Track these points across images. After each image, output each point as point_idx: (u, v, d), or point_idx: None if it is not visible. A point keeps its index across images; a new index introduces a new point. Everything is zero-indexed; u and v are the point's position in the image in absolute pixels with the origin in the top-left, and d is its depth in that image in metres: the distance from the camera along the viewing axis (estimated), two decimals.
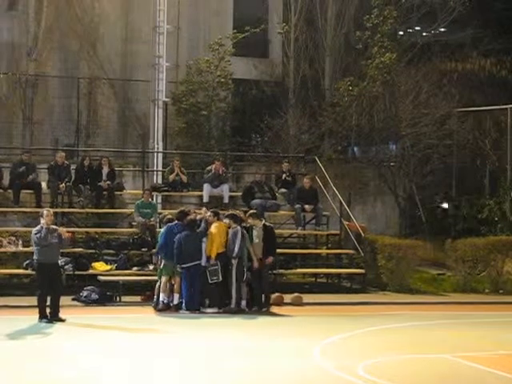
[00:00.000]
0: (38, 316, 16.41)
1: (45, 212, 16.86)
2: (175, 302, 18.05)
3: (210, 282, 18.24)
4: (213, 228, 18.69)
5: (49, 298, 16.26)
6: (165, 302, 17.88)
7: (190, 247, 17.88)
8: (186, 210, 19.86)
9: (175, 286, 18.26)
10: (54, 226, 16.59)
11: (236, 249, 18.58)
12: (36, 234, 16.12)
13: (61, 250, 17.24)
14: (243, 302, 18.97)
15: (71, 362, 13.34)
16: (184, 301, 18.20)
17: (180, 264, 18.04)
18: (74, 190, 22.12)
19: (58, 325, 16.43)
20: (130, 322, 17.52)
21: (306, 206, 22.95)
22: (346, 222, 22.79)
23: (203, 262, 18.28)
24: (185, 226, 18.40)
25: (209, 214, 19.05)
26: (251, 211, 20.59)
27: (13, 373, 12.51)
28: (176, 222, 18.62)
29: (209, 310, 18.51)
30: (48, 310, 16.15)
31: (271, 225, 20.62)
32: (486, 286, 23.15)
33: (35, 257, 16.57)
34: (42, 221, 16.17)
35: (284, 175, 24.24)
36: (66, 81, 28.54)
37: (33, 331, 15.96)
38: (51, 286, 16.16)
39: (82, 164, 22.81)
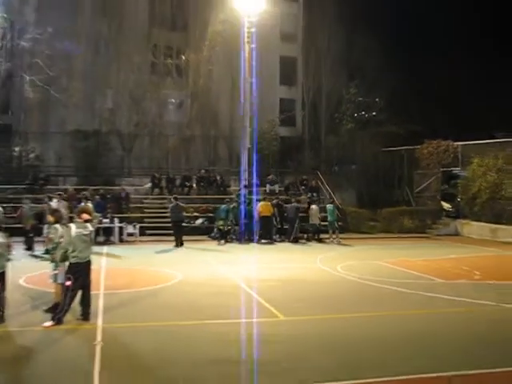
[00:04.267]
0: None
1: None
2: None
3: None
4: (261, 203, 26.53)
5: None
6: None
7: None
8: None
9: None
10: None
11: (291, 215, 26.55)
12: None
13: None
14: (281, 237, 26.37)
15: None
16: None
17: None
18: None
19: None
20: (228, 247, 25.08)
21: (314, 194, 31.60)
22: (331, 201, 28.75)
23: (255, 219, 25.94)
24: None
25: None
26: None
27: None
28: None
29: (262, 241, 25.57)
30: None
31: (300, 204, 27.51)
32: (395, 229, 30.76)
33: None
34: None
35: (304, 181, 33.31)
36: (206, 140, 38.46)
37: None
38: None
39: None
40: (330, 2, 39.31)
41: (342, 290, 15.14)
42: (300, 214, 27.05)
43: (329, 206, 27.39)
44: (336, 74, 39.53)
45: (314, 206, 27.41)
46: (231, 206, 26.73)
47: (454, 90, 40.36)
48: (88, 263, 11.33)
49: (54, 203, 20.90)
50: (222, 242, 25.86)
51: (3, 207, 25.88)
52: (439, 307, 13.05)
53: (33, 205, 21.81)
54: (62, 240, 11.08)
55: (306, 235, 27.15)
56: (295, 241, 26.34)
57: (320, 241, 26.73)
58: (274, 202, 27.43)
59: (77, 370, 8.60)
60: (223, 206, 26.62)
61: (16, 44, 32.48)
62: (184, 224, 25.72)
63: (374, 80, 38.07)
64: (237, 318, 11.98)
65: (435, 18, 44.23)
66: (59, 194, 21.90)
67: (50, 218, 12.50)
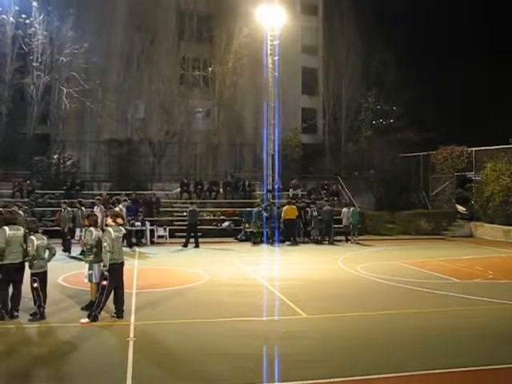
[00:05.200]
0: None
1: None
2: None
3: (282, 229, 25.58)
4: (286, 207, 26.19)
5: None
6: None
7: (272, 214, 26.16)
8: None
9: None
10: None
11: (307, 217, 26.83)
12: None
13: None
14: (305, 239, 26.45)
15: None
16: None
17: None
18: None
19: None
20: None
21: (335, 198, 31.63)
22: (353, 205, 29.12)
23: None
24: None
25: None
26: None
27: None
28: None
29: (286, 243, 25.44)
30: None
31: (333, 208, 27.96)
32: (413, 231, 30.44)
33: None
34: None
35: (325, 185, 33.59)
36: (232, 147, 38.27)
37: None
38: None
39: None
40: (349, 16, 39.61)
41: (362, 289, 15.08)
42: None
43: (352, 210, 27.42)
44: (355, 83, 39.63)
45: (345, 209, 27.68)
46: (260, 209, 26.98)
47: (468, 97, 40.15)
48: (122, 264, 11.48)
49: (95, 209, 20.94)
50: (258, 240, 26.29)
51: (43, 211, 26.64)
52: (454, 305, 12.96)
53: (70, 209, 21.84)
54: (106, 242, 11.18)
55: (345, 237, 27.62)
56: (317, 242, 26.41)
57: (347, 241, 27.03)
58: (301, 205, 27.51)
59: (112, 363, 8.75)
60: (255, 210, 26.83)
61: (55, 59, 33.21)
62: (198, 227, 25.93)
63: (391, 89, 38.06)
64: (261, 316, 12.04)
65: (449, 29, 43.41)
66: (98, 199, 22.12)
67: (86, 222, 12.66)
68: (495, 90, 40.94)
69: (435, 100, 39.37)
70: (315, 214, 26.95)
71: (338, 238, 27.08)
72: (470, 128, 37.32)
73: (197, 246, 24.56)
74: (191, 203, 26.51)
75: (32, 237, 11.28)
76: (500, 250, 24.05)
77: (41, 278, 11.24)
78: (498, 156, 29.37)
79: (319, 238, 26.62)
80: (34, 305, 11.27)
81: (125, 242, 22.80)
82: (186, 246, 24.55)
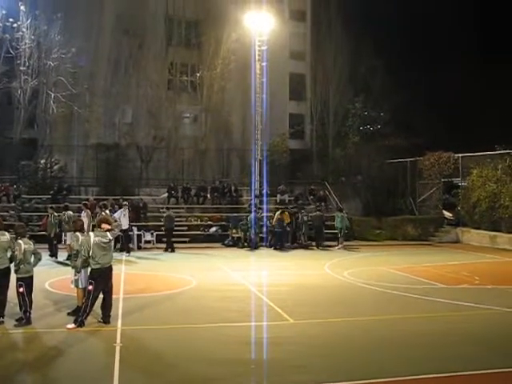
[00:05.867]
0: None
1: None
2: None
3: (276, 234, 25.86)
4: (279, 212, 26.73)
5: None
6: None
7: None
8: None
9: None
10: None
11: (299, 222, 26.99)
12: None
13: None
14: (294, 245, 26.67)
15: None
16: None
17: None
18: None
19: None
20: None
21: (322, 204, 31.39)
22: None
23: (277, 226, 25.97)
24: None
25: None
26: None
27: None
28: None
29: (274, 248, 25.88)
30: None
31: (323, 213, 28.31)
32: (400, 237, 30.79)
33: None
34: None
35: (313, 191, 33.84)
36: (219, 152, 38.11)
37: None
38: None
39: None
40: (336, 22, 39.70)
41: (349, 295, 15.12)
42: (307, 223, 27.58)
43: (339, 214, 27.54)
44: (342, 89, 39.72)
45: (337, 213, 28.08)
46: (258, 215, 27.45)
47: (456, 102, 40.31)
48: (108, 269, 11.42)
49: (82, 214, 20.72)
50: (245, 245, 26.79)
51: (29, 216, 26.52)
52: (441, 311, 12.96)
53: (56, 214, 21.78)
54: (82, 248, 11.23)
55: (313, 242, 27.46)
56: (305, 247, 26.63)
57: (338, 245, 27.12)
58: (293, 210, 27.85)
59: (99, 368, 8.70)
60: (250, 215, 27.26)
61: (43, 63, 33.17)
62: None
63: (378, 95, 38.22)
64: (248, 322, 12.01)
65: (437, 35, 43.78)
66: (84, 204, 22.05)
67: (73, 227, 12.61)
68: (483, 95, 41.34)
69: (423, 105, 39.74)
70: (306, 219, 27.17)
71: (328, 242, 27.25)
72: (457, 133, 37.56)
73: (172, 250, 25.00)
74: (167, 208, 26.93)
75: (20, 241, 11.20)
76: (486, 256, 24.16)
77: (27, 282, 11.17)
78: (485, 162, 29.53)
79: (308, 243, 26.89)
80: (20, 310, 11.19)
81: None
82: (166, 250, 25.18)
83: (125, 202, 25.14)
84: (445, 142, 34.17)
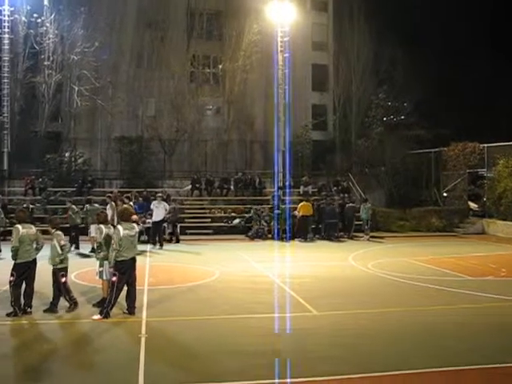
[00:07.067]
0: None
1: None
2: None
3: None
4: (302, 203, 26.71)
5: None
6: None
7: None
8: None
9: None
10: None
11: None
12: None
13: None
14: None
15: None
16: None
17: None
18: None
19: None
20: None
21: (346, 195, 31.37)
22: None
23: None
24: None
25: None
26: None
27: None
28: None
29: (298, 240, 25.67)
30: None
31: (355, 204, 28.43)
32: (424, 228, 30.27)
33: None
34: None
35: (336, 182, 33.40)
36: (242, 144, 38.71)
37: None
38: None
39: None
40: (359, 12, 39.38)
41: (373, 286, 15.02)
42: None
43: (365, 205, 27.55)
44: (365, 80, 39.35)
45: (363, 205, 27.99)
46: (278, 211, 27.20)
47: (481, 93, 39.97)
48: (133, 261, 11.51)
49: (108, 207, 20.76)
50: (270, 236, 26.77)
51: (55, 208, 26.80)
52: (467, 303, 12.89)
53: (74, 207, 22.36)
54: (113, 241, 11.15)
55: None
56: (330, 239, 26.47)
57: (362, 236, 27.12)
58: (318, 202, 27.78)
59: (124, 359, 8.80)
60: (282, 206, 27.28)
61: (66, 57, 33.54)
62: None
63: (402, 85, 37.32)
64: (272, 313, 12.00)
65: (462, 24, 43.10)
66: (109, 197, 22.20)
67: (96, 219, 12.73)
68: (509, 85, 40.61)
69: (447, 95, 39.44)
70: (338, 210, 27.18)
71: (356, 233, 27.44)
72: (482, 124, 37.06)
73: (177, 241, 25.10)
74: (173, 200, 26.62)
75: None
76: None
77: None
78: (511, 152, 29.11)
79: (335, 234, 26.74)
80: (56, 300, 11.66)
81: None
82: (172, 241, 25.26)
83: (159, 194, 25.20)
84: (470, 132, 33.72)
